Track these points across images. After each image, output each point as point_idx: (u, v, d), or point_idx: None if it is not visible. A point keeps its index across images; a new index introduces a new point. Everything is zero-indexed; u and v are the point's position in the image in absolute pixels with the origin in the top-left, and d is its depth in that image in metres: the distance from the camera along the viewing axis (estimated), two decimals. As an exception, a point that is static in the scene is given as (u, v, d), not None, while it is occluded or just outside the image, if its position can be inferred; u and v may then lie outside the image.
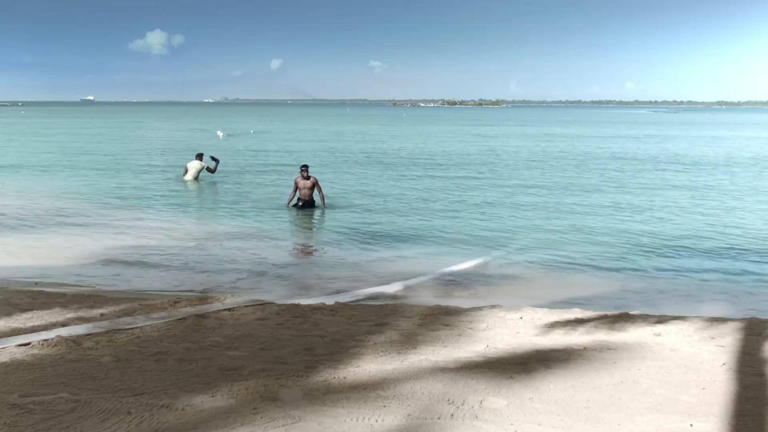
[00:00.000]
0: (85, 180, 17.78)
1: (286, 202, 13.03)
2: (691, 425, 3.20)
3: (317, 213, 12.50)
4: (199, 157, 17.27)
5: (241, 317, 5.33)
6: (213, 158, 17.14)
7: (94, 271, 8.13)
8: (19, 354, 4.19)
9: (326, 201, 13.02)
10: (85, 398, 3.37)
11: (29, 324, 4.96)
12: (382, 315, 5.48)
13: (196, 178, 16.90)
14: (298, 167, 13.57)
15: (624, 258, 9.10)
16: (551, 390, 3.63)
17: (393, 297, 6.92)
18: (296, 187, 12.94)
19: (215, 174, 17.38)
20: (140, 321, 5.09)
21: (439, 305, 5.96)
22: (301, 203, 12.79)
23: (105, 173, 19.57)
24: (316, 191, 12.88)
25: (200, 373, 3.85)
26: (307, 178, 12.86)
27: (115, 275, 7.90)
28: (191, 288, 7.64)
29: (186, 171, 17.11)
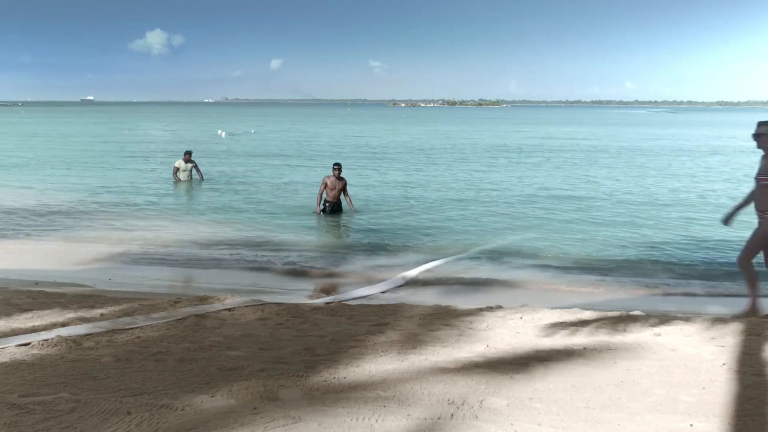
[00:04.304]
0: (85, 180, 17.79)
1: (315, 204, 12.06)
2: (691, 425, 3.20)
3: (331, 215, 11.87)
4: (188, 155, 16.95)
5: (241, 317, 5.33)
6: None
7: (94, 271, 8.13)
8: (19, 354, 4.19)
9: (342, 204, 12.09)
10: (85, 398, 3.37)
11: (29, 324, 4.95)
12: (382, 315, 5.48)
13: (187, 178, 16.66)
14: (324, 166, 12.70)
15: (624, 258, 9.10)
16: (551, 390, 3.63)
17: (393, 297, 6.93)
18: (324, 188, 11.93)
19: (211, 177, 17.39)
20: (140, 321, 5.09)
21: (439, 305, 5.96)
22: (329, 207, 11.87)
23: (105, 173, 19.58)
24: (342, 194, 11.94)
25: (200, 373, 3.85)
26: (339, 178, 11.87)
27: (115, 275, 7.90)
28: (191, 288, 7.66)
29: (176, 170, 16.77)
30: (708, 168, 22.20)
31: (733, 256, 9.13)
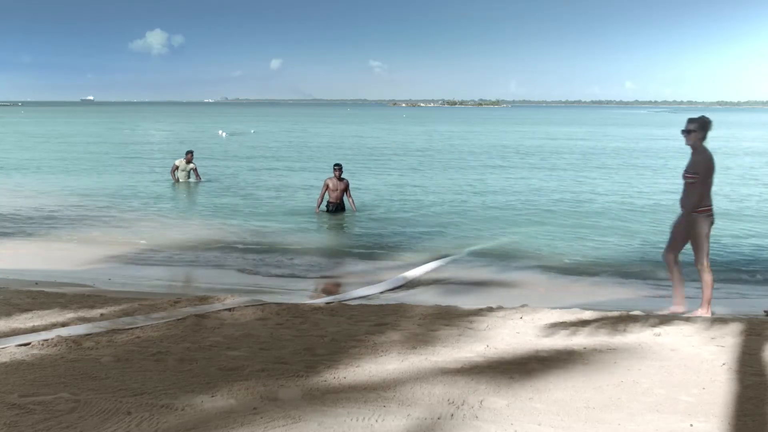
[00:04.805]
0: (85, 180, 17.78)
1: (315, 205, 12.08)
2: (691, 425, 3.20)
3: (330, 215, 11.86)
4: (190, 155, 16.73)
5: (241, 317, 5.33)
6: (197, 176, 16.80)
7: (94, 271, 8.13)
8: (19, 354, 4.19)
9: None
10: (85, 398, 3.37)
11: (29, 324, 4.95)
12: (382, 315, 5.47)
13: (186, 178, 16.49)
14: (331, 167, 12.23)
15: (624, 258, 9.10)
16: (551, 390, 3.63)
17: (393, 297, 6.93)
18: (326, 189, 11.93)
19: (211, 177, 17.30)
20: (140, 321, 5.09)
21: (439, 305, 5.95)
22: (331, 207, 11.86)
23: (105, 173, 19.58)
24: (345, 195, 11.94)
25: (200, 373, 3.85)
26: (341, 179, 11.86)
27: (115, 275, 7.90)
28: (191, 288, 7.66)
29: (175, 168, 16.60)
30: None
31: (734, 256, 9.14)
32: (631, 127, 62.70)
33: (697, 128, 5.83)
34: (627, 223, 11.76)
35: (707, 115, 6.03)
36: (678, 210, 6.08)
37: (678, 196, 6.06)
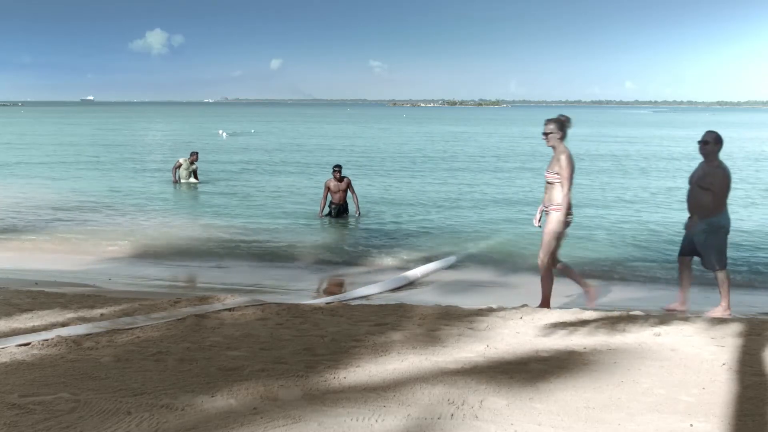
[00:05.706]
0: (85, 180, 17.79)
1: (319, 208, 11.83)
2: (691, 425, 3.20)
3: (333, 217, 11.67)
4: (195, 156, 16.61)
5: (241, 317, 5.33)
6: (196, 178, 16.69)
7: (94, 271, 8.13)
8: (19, 354, 4.19)
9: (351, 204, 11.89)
10: (85, 398, 3.37)
11: (29, 324, 4.95)
12: (382, 315, 5.47)
13: (187, 178, 16.42)
14: (331, 168, 12.00)
15: (624, 258, 9.10)
16: (551, 390, 3.63)
17: (393, 297, 6.93)
18: (327, 191, 11.68)
19: (212, 178, 17.28)
20: (140, 321, 5.09)
21: (440, 305, 5.96)
22: (334, 209, 11.63)
23: (106, 173, 19.58)
24: (349, 194, 11.70)
25: (200, 373, 3.85)
26: (341, 179, 11.59)
27: (115, 275, 7.90)
28: (191, 288, 7.66)
29: (178, 166, 16.48)
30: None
31: (732, 257, 9.13)
32: (633, 128, 62.67)
33: (555, 129, 5.83)
34: (626, 223, 11.76)
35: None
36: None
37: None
